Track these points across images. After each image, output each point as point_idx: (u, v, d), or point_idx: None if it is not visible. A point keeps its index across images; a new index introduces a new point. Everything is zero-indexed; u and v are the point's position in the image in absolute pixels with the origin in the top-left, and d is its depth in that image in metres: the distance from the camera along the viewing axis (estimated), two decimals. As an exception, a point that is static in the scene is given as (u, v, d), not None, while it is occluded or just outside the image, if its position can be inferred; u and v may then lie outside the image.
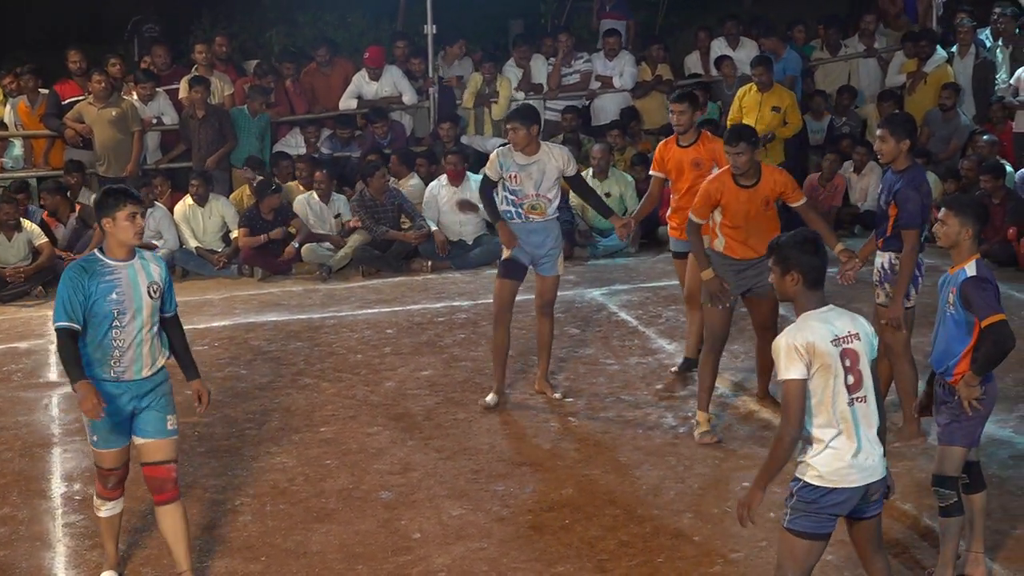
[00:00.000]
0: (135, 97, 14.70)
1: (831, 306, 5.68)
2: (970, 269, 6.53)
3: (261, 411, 9.76)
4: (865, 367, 5.64)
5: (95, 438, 6.68)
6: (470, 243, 13.98)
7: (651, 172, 10.20)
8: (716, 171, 9.42)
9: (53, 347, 11.29)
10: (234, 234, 13.79)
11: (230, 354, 11.10)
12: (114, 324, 6.52)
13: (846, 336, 5.59)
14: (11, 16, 18.57)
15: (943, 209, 6.71)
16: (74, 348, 6.51)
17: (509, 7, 23.19)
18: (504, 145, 9.64)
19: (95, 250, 6.73)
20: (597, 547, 7.45)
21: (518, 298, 9.63)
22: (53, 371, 10.76)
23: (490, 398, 9.69)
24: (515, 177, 9.31)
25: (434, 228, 13.89)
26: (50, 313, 12.28)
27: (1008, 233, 12.85)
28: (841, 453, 5.56)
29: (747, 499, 5.66)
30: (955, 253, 6.64)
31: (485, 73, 15.55)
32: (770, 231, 8.59)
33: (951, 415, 6.56)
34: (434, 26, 15.37)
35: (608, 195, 14.07)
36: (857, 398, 5.60)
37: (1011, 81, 15.14)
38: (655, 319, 11.60)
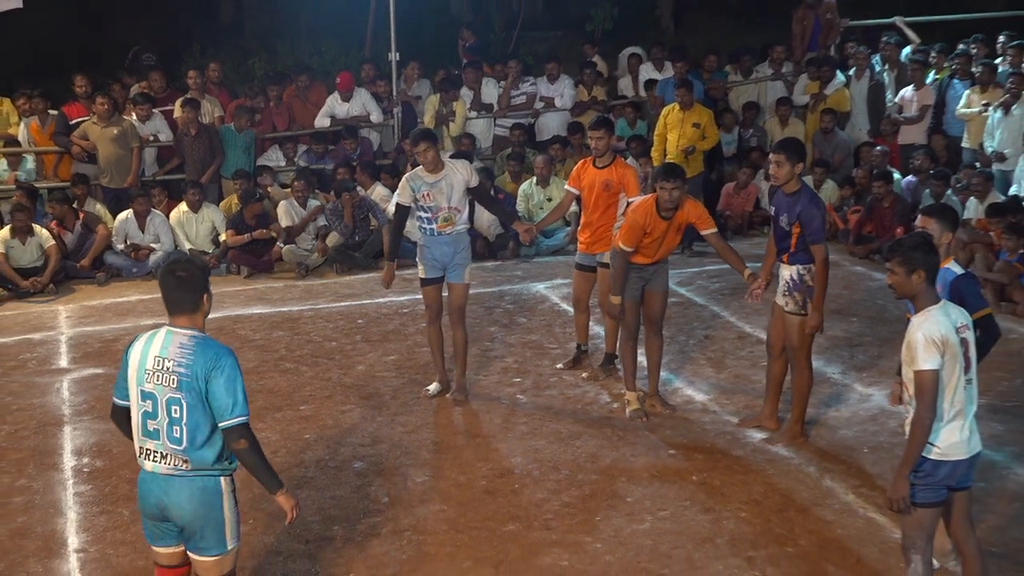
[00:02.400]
0: (134, 117, 14.62)
1: (944, 300, 5.63)
2: (955, 268, 6.42)
3: (248, 392, 9.68)
4: (973, 353, 5.62)
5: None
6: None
7: (566, 187, 10.00)
8: (623, 196, 9.42)
9: (64, 337, 11.25)
10: (222, 237, 13.72)
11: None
12: None
13: (962, 326, 5.57)
14: (20, 42, 18.43)
15: (921, 216, 6.59)
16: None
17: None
18: (411, 171, 9.37)
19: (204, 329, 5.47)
20: (543, 508, 7.48)
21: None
22: (63, 359, 10.67)
23: (432, 387, 9.58)
24: (428, 195, 9.07)
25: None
26: (61, 308, 12.31)
27: (896, 231, 12.96)
28: (955, 430, 5.56)
29: (897, 491, 5.56)
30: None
31: (441, 96, 15.51)
32: (672, 246, 8.82)
33: None
34: (397, 53, 15.37)
35: (550, 199, 14.12)
36: (968, 380, 5.60)
37: (896, 100, 15.32)
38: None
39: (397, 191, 9.41)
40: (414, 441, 8.62)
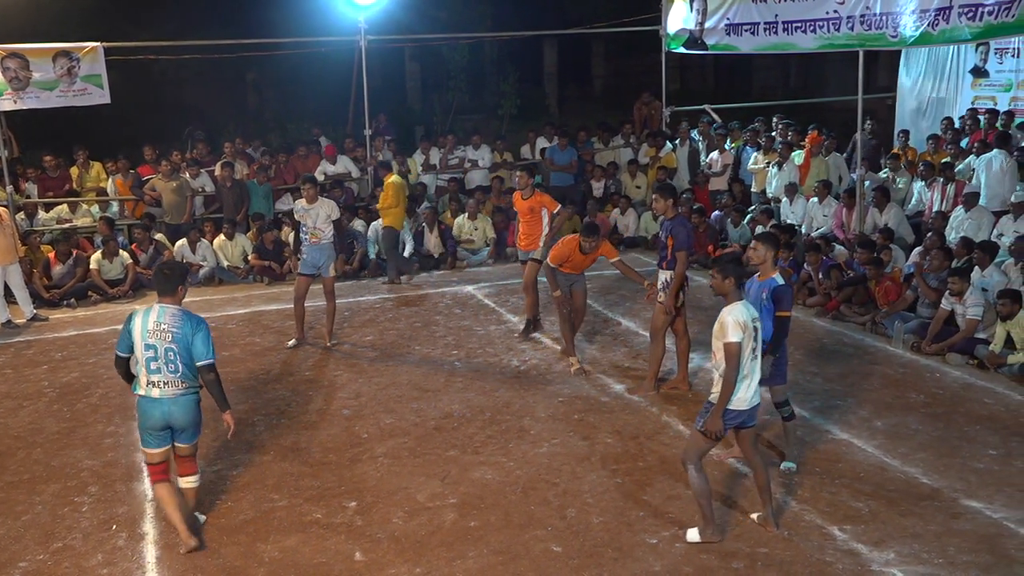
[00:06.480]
0: (188, 175, 14.36)
1: (744, 300, 5.67)
2: (778, 279, 6.46)
3: (269, 363, 9.58)
4: (759, 337, 5.66)
5: None
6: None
7: (516, 207, 10.30)
8: (545, 212, 9.86)
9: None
10: (251, 258, 13.51)
11: (248, 329, 10.88)
12: None
13: (756, 317, 5.63)
14: (106, 122, 18.07)
15: (754, 240, 6.65)
16: None
17: (415, 117, 23.18)
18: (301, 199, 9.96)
19: None
20: (474, 439, 7.46)
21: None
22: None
23: (292, 342, 10.08)
24: (303, 216, 9.80)
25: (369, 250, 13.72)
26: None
27: (708, 248, 13.09)
28: (744, 388, 5.59)
29: (712, 424, 5.56)
30: (762, 268, 6.52)
31: (398, 159, 15.42)
32: (587, 265, 8.99)
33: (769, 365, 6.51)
34: (369, 130, 15.22)
35: (476, 228, 14.10)
36: (755, 356, 5.63)
37: (707, 160, 15.47)
38: (505, 302, 11.62)
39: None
40: (384, 395, 8.53)
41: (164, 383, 5.73)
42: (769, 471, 5.99)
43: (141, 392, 5.78)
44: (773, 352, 6.47)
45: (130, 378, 5.93)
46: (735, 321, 5.52)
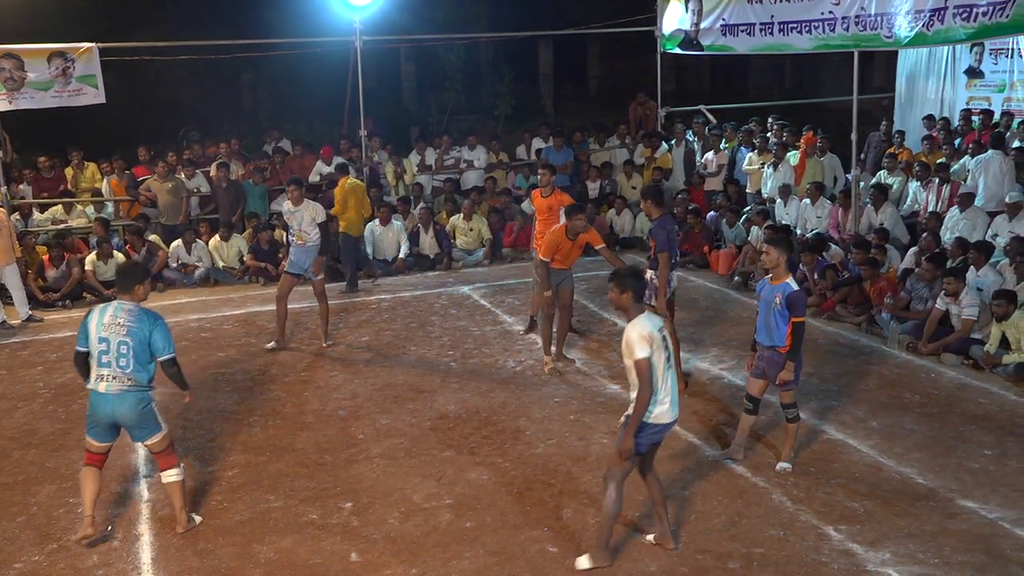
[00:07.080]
0: (183, 176, 14.34)
1: (647, 312, 5.53)
2: (792, 284, 6.48)
3: (264, 363, 9.56)
4: (670, 347, 5.52)
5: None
6: (390, 260, 13.78)
7: (532, 203, 10.33)
8: (562, 212, 9.70)
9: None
10: (246, 258, 13.50)
11: (244, 330, 10.86)
12: None
13: (660, 327, 5.45)
14: (104, 124, 18.04)
15: (765, 245, 6.67)
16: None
17: (411, 118, 23.15)
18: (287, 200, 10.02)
19: None
20: (469, 440, 7.46)
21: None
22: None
23: (271, 344, 10.03)
24: (289, 218, 9.85)
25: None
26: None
27: (704, 249, 13.08)
28: (664, 401, 5.45)
29: (624, 445, 5.38)
30: (775, 272, 6.56)
31: (394, 160, 15.42)
32: (575, 257, 9.04)
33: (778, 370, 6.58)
34: (365, 131, 15.21)
35: (471, 229, 14.10)
36: (669, 367, 5.48)
37: (702, 160, 15.47)
38: (500, 303, 11.61)
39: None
40: (380, 396, 8.52)
41: (112, 377, 5.78)
42: (662, 484, 5.90)
43: (91, 386, 5.86)
44: (792, 357, 6.51)
45: (87, 375, 5.99)
46: (639, 335, 5.34)
